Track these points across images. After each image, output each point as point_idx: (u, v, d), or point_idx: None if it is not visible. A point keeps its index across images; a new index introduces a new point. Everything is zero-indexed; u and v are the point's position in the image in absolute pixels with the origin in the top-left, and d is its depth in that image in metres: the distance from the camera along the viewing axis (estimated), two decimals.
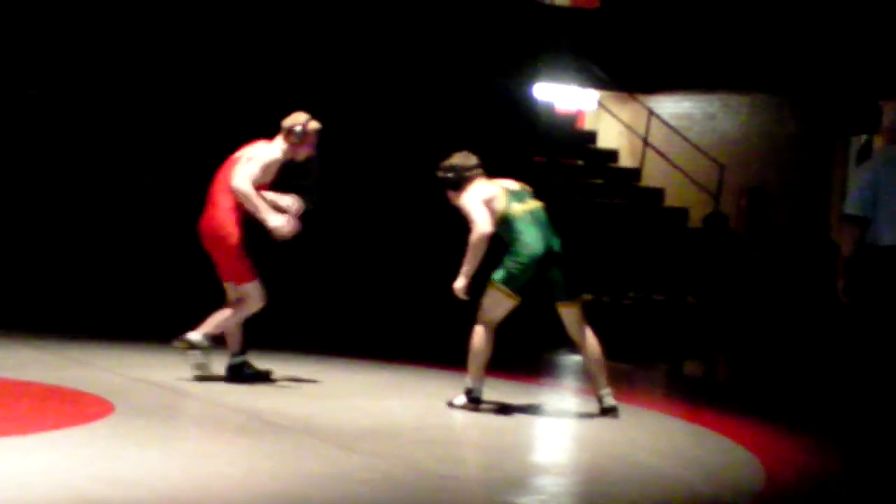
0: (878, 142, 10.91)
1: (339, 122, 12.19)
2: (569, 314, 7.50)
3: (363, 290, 12.79)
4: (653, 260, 14.82)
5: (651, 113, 16.50)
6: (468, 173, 7.51)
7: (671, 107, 16.76)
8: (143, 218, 12.62)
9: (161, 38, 12.75)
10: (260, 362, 8.13)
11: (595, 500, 5.69)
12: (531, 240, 7.36)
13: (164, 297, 11.98)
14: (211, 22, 12.91)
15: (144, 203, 12.75)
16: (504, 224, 7.39)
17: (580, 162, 16.96)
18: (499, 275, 7.37)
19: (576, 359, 10.72)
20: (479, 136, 12.41)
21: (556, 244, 7.45)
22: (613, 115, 16.89)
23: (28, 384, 7.42)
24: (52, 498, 4.88)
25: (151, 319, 11.12)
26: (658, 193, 16.52)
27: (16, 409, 6.72)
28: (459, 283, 7.27)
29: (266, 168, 7.78)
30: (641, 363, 10.89)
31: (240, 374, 7.99)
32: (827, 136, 15.34)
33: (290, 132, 7.87)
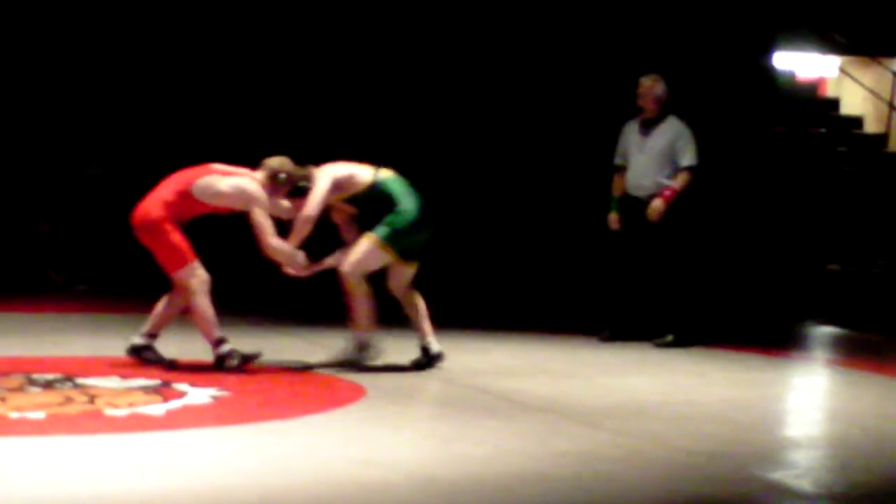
0: None
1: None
2: (406, 272, 7.82)
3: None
4: None
5: None
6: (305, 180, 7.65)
7: None
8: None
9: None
10: (502, 345, 8.21)
11: (852, 476, 5.57)
12: (410, 202, 7.67)
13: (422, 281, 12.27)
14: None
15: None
16: (376, 190, 7.67)
17: (823, 130, 16.57)
18: (381, 231, 7.61)
19: (826, 330, 10.54)
20: (720, 108, 12.27)
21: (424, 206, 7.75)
22: (856, 81, 16.44)
23: (284, 370, 7.70)
24: (312, 479, 5.07)
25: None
26: None
27: (274, 395, 6.99)
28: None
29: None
30: (892, 334, 10.61)
31: (138, 354, 7.59)
32: None
33: (275, 176, 7.58)
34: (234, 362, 7.45)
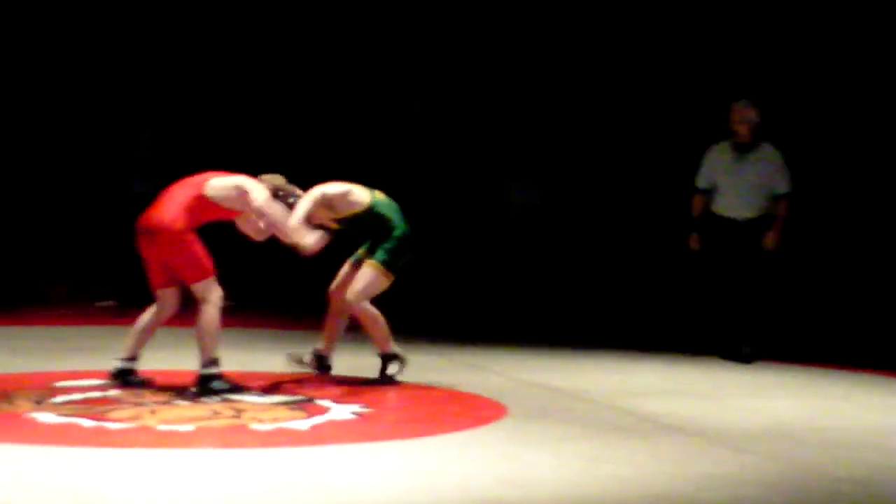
0: None
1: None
2: (354, 273, 7.72)
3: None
4: None
5: None
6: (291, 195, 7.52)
7: None
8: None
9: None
10: (644, 366, 8.14)
11: None
12: (403, 225, 7.71)
13: (554, 302, 12.27)
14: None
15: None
16: (371, 213, 7.65)
17: None
18: (381, 257, 7.60)
19: None
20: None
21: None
22: None
23: (426, 388, 7.73)
24: (455, 497, 5.07)
25: (545, 323, 11.41)
26: None
27: (417, 412, 7.02)
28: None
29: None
30: None
31: (123, 378, 7.30)
32: None
33: (275, 192, 7.40)
34: (221, 386, 7.10)
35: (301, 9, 13.69)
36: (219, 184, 7.26)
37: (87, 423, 6.20)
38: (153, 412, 6.50)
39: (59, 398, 6.82)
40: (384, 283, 7.68)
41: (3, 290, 12.16)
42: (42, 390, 7.00)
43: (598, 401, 7.47)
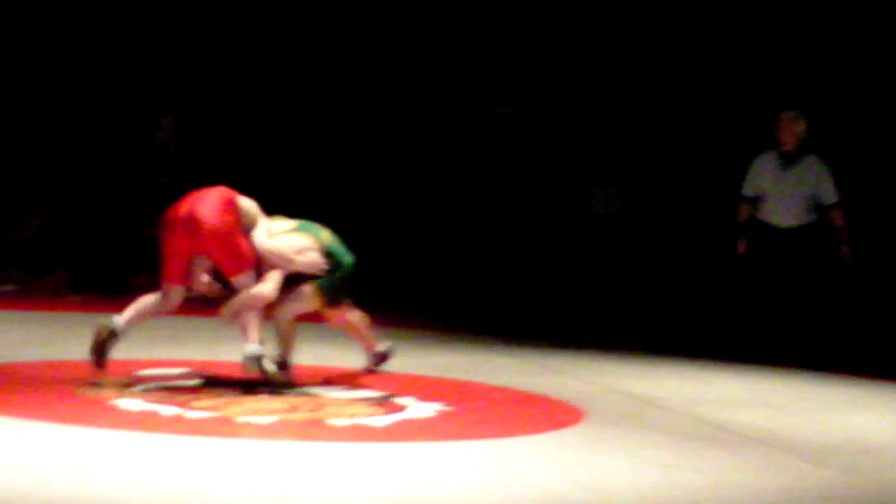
0: None
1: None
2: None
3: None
4: None
5: None
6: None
7: None
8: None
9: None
10: (723, 375, 8.09)
11: None
12: (347, 259, 7.48)
13: (641, 307, 12.26)
14: None
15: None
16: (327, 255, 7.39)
17: None
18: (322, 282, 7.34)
19: None
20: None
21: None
22: None
23: (502, 389, 7.73)
24: (529, 498, 5.08)
25: (625, 328, 11.39)
26: None
27: (495, 412, 7.03)
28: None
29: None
30: None
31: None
32: None
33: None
34: (267, 368, 6.99)
35: (390, 9, 13.77)
36: (249, 202, 7.25)
37: (168, 410, 6.27)
38: (233, 402, 6.57)
39: (142, 386, 6.91)
40: (317, 305, 7.50)
41: (86, 279, 12.32)
42: (125, 378, 7.09)
43: (676, 408, 7.44)
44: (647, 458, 5.99)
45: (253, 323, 6.99)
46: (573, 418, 6.84)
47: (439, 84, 13.82)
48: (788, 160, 9.90)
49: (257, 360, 6.91)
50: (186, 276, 7.18)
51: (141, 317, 7.15)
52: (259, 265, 7.18)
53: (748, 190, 10.04)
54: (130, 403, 6.40)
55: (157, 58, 13.57)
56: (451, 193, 13.54)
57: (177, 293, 7.17)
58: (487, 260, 13.34)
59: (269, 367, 7.00)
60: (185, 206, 7.10)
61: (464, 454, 5.82)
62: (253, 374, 6.92)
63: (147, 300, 7.18)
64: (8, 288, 11.99)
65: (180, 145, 12.83)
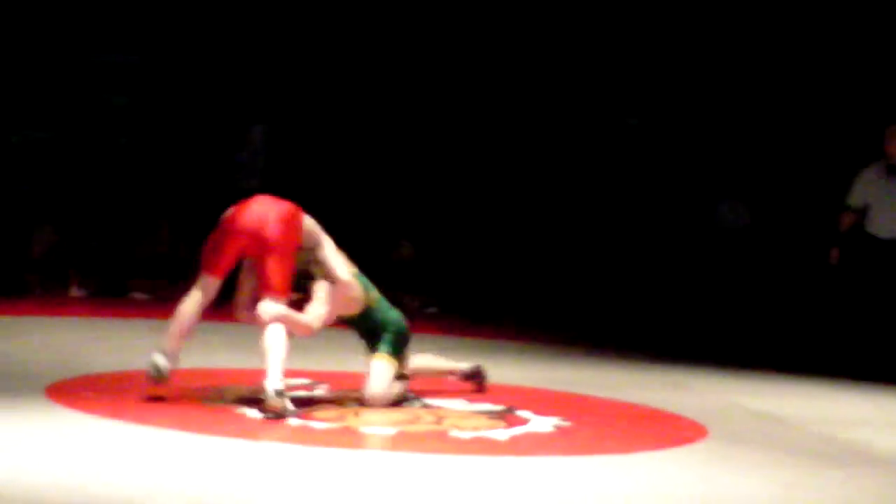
0: None
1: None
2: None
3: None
4: None
5: None
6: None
7: None
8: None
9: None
10: (849, 393, 7.97)
11: None
12: (394, 314, 7.17)
13: (760, 324, 12.14)
14: None
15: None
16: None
17: None
18: (386, 348, 7.06)
19: None
20: None
21: None
22: None
23: (624, 405, 7.72)
24: None
25: (750, 345, 11.29)
26: None
27: (615, 429, 7.02)
28: None
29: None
30: None
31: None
32: None
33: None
34: (285, 406, 6.51)
35: (510, 20, 13.83)
36: (313, 222, 6.99)
37: (292, 420, 6.37)
38: (356, 414, 6.65)
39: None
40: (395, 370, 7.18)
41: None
42: (251, 386, 7.20)
43: (800, 427, 7.36)
44: (767, 476, 5.94)
45: (280, 356, 6.60)
46: (696, 435, 6.81)
47: (567, 95, 13.83)
48: (894, 172, 9.94)
49: (280, 394, 6.51)
50: (227, 272, 6.92)
51: (185, 333, 6.82)
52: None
53: (852, 201, 10.07)
54: (255, 412, 6.50)
55: (251, 67, 13.77)
56: (576, 205, 13.52)
57: (214, 286, 6.87)
58: (610, 274, 13.30)
59: (288, 405, 6.54)
60: (254, 211, 6.86)
61: (583, 470, 5.83)
62: (276, 407, 6.48)
63: (184, 315, 6.82)
64: (142, 296, 12.25)
65: (269, 154, 12.96)
